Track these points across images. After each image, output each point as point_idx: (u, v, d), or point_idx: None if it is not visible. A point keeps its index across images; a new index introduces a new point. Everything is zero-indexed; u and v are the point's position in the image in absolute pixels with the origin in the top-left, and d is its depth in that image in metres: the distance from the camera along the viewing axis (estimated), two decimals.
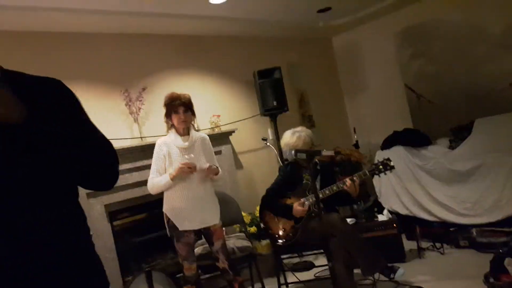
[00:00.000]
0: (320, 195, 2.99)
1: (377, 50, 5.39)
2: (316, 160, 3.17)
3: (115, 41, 3.90)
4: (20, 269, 0.97)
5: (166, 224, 2.85)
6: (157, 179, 2.77)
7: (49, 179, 1.03)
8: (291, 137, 3.13)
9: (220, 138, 4.23)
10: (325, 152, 2.49)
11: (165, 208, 2.84)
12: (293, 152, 2.42)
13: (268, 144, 4.41)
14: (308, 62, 5.49)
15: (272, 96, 4.35)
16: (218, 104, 4.50)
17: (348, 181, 2.90)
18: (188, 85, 4.17)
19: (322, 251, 3.92)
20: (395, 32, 5.15)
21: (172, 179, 2.73)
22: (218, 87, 4.63)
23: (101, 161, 1.10)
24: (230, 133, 4.35)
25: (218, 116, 4.35)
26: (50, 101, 1.05)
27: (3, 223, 0.96)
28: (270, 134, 4.77)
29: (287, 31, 5.06)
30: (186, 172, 2.72)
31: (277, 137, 4.55)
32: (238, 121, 4.59)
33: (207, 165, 2.83)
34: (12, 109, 0.93)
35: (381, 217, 3.79)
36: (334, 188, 2.96)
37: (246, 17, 4.16)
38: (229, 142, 4.36)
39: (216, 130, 4.24)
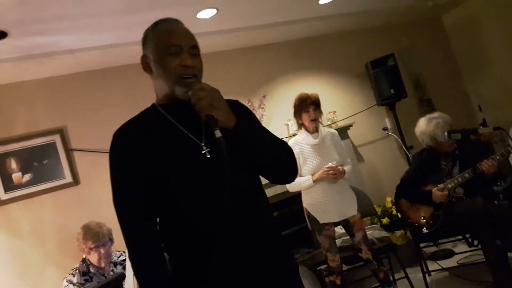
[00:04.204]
0: (460, 179, 2.91)
1: (495, 21, 4.98)
2: (455, 145, 3.04)
3: (237, 55, 4.22)
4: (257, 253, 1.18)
5: (306, 218, 3.00)
6: (299, 179, 2.89)
7: (256, 175, 1.25)
8: (427, 125, 2.98)
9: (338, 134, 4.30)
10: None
11: (305, 203, 2.99)
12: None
13: (389, 133, 4.35)
14: (420, 45, 5.29)
15: (388, 85, 4.31)
16: (332, 100, 4.56)
17: (486, 162, 2.76)
18: (303, 87, 4.27)
19: (460, 237, 3.78)
20: None
21: (314, 181, 2.88)
22: (331, 83, 4.71)
23: (289, 155, 1.31)
24: (347, 127, 4.39)
25: (334, 112, 4.44)
26: (240, 114, 1.26)
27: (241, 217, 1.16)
28: (388, 123, 4.70)
29: (396, 17, 4.94)
30: (330, 177, 2.85)
31: (397, 125, 4.48)
32: (354, 114, 4.61)
33: (334, 163, 2.88)
34: (230, 116, 1.16)
35: None
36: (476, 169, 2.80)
37: (355, 11, 4.18)
38: (347, 137, 4.40)
39: (334, 127, 4.32)
